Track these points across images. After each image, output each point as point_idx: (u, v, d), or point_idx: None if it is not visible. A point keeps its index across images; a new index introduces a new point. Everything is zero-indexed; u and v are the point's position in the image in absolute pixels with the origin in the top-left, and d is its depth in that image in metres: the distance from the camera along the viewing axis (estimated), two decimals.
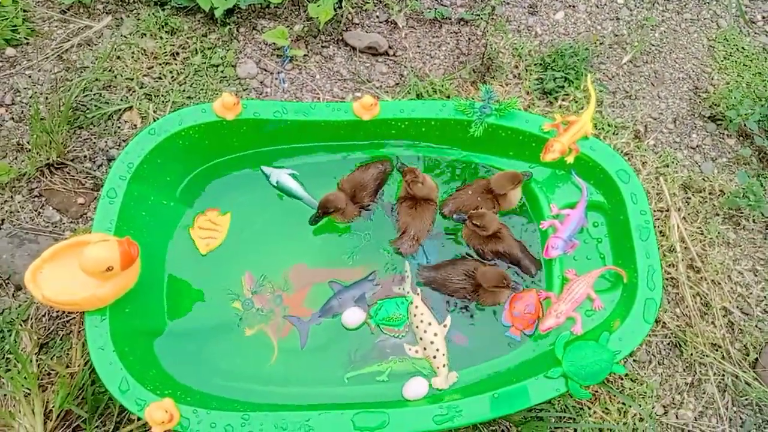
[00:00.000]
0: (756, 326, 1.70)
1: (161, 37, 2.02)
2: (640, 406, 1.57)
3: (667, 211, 1.84)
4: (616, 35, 2.19)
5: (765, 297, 1.76)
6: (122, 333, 1.35)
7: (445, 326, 1.51)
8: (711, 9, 2.29)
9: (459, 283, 1.54)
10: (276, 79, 2.01)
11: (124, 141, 1.86)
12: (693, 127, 2.04)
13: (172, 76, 1.97)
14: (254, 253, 1.61)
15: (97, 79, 1.93)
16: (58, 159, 1.78)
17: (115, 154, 1.83)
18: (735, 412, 1.62)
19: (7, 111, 1.88)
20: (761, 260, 1.82)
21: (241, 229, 1.64)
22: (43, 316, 1.59)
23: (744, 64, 2.16)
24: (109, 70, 1.96)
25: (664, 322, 1.69)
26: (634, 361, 1.65)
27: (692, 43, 2.20)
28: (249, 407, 1.33)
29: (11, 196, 1.75)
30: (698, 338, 1.66)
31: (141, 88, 1.93)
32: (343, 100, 1.98)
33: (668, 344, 1.68)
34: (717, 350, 1.67)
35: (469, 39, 2.13)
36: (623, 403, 1.58)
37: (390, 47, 2.09)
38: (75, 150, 1.84)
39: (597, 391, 1.59)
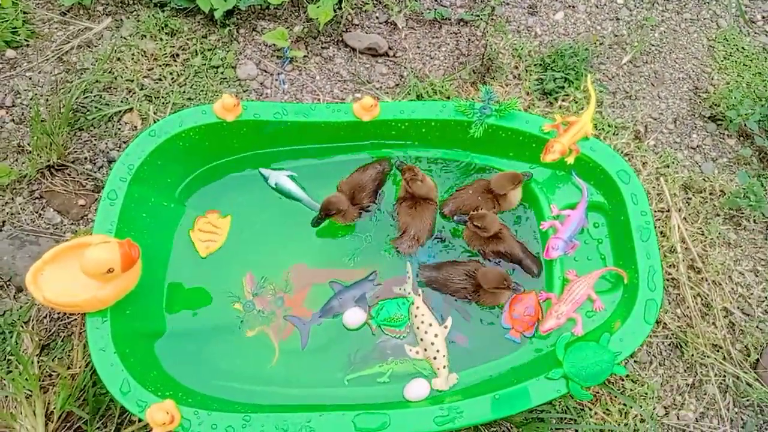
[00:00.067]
0: (757, 327, 1.70)
1: (161, 39, 2.02)
2: (641, 407, 1.57)
3: (668, 211, 1.84)
4: (616, 35, 2.19)
5: (766, 297, 1.76)
6: (123, 334, 1.35)
7: (445, 327, 1.51)
8: (711, 9, 2.28)
9: (460, 284, 1.55)
10: (276, 80, 2.01)
11: (124, 142, 1.86)
12: (693, 127, 2.04)
13: (172, 78, 1.97)
14: (254, 255, 1.62)
15: (97, 81, 1.93)
16: (59, 161, 1.78)
17: (115, 156, 1.83)
18: (736, 413, 1.62)
19: (7, 113, 1.89)
20: (762, 261, 1.82)
21: (241, 231, 1.64)
22: (45, 317, 1.59)
23: (744, 64, 2.16)
24: (110, 72, 1.96)
25: (664, 323, 1.69)
26: (635, 362, 1.65)
27: (692, 43, 2.20)
28: (250, 408, 1.33)
29: (12, 198, 1.75)
30: (699, 339, 1.66)
31: (141, 89, 1.94)
32: (343, 102, 1.98)
33: (669, 345, 1.68)
34: (718, 351, 1.67)
35: (469, 40, 2.13)
36: (624, 404, 1.58)
37: (390, 48, 2.09)
38: (75, 152, 1.84)
39: (598, 392, 1.59)
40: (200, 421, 1.26)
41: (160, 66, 1.99)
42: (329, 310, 1.55)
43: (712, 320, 1.70)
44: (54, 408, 1.42)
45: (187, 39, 2.03)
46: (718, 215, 1.87)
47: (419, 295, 1.56)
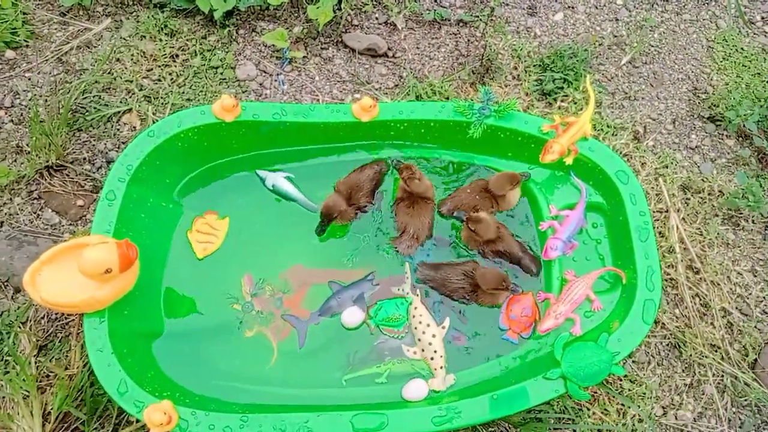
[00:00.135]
0: (755, 327, 1.70)
1: (160, 40, 2.02)
2: (639, 407, 1.57)
3: (667, 211, 1.84)
4: (615, 36, 2.19)
5: (764, 298, 1.76)
6: (121, 335, 1.35)
7: (443, 328, 1.51)
8: (710, 10, 2.29)
9: (458, 283, 1.55)
10: (275, 80, 2.01)
11: (123, 143, 1.87)
12: (692, 127, 2.04)
13: (172, 78, 1.97)
14: (253, 256, 1.62)
15: (96, 82, 1.93)
16: (58, 161, 1.78)
17: (114, 157, 1.83)
18: (734, 413, 1.61)
19: (6, 113, 1.89)
20: (760, 261, 1.82)
21: (239, 231, 1.64)
22: (42, 318, 1.59)
23: (743, 65, 2.16)
24: (109, 73, 1.96)
25: (663, 323, 1.69)
26: (633, 362, 1.65)
27: (691, 44, 2.20)
28: (248, 409, 1.33)
29: (10, 199, 1.75)
30: (697, 339, 1.65)
31: (140, 90, 1.94)
32: (343, 102, 1.98)
33: (667, 345, 1.68)
34: (716, 351, 1.67)
35: (468, 40, 2.13)
36: (622, 404, 1.58)
37: (389, 49, 2.09)
38: (74, 152, 1.84)
39: (596, 392, 1.58)
40: (198, 422, 1.25)
41: (159, 66, 1.99)
42: (328, 309, 1.55)
43: (711, 320, 1.70)
44: (51, 408, 1.42)
45: (187, 40, 2.03)
46: (717, 215, 1.87)
47: (417, 295, 1.56)
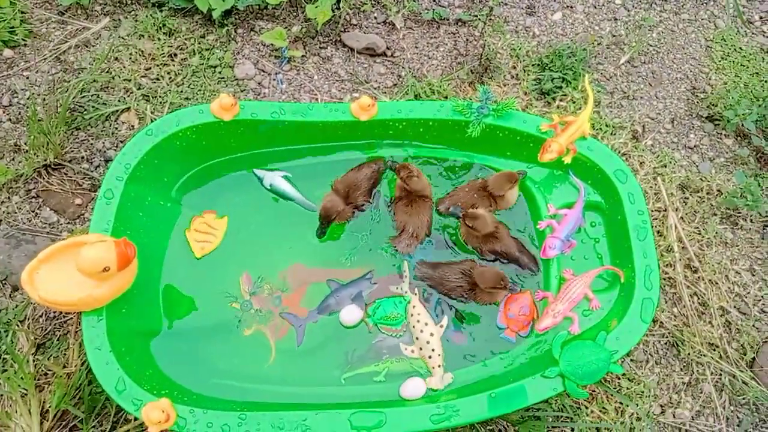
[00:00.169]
0: (753, 326, 1.70)
1: (159, 39, 2.02)
2: (637, 405, 1.57)
3: (665, 211, 1.84)
4: (614, 36, 2.20)
5: (762, 296, 1.76)
6: (119, 333, 1.35)
7: (441, 326, 1.51)
8: (709, 9, 2.29)
9: (455, 282, 1.55)
10: (274, 80, 2.01)
11: (121, 142, 1.86)
12: (691, 127, 2.04)
13: (170, 77, 1.97)
14: (251, 254, 1.61)
15: (94, 81, 1.93)
16: (56, 160, 1.78)
17: (112, 155, 1.83)
18: (732, 411, 1.62)
19: (4, 112, 1.89)
20: (758, 260, 1.82)
21: (237, 230, 1.64)
22: (40, 316, 1.59)
23: (742, 65, 2.16)
24: (107, 72, 1.96)
25: (661, 322, 1.69)
26: (631, 360, 1.65)
27: (690, 44, 2.21)
28: (246, 407, 1.33)
29: (8, 197, 1.75)
30: (695, 338, 1.66)
31: (139, 89, 1.94)
32: (341, 101, 1.98)
33: (666, 344, 1.68)
34: (714, 350, 1.67)
35: (467, 40, 2.13)
36: (620, 403, 1.58)
37: (388, 48, 2.09)
38: (72, 151, 1.84)
39: (594, 391, 1.59)
40: (196, 420, 1.25)
41: (157, 66, 1.99)
42: (326, 307, 1.54)
43: (709, 319, 1.70)
44: (49, 407, 1.42)
45: (185, 39, 2.03)
46: (715, 215, 1.87)
47: (416, 293, 1.56)
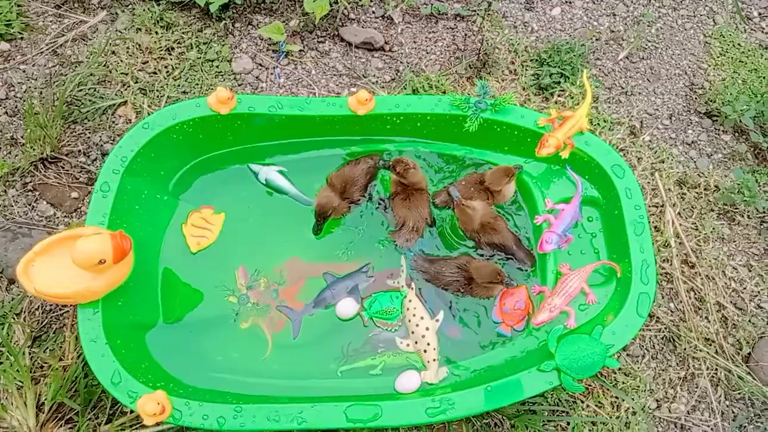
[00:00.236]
0: (749, 321, 1.71)
1: (156, 32, 2.01)
2: (633, 399, 1.57)
3: (662, 206, 1.84)
4: (613, 31, 2.19)
5: (759, 292, 1.76)
6: (115, 326, 1.35)
7: (437, 321, 1.51)
8: (707, 5, 2.28)
9: (451, 277, 1.55)
10: (271, 74, 2.00)
11: (118, 136, 1.86)
12: (689, 123, 2.04)
13: (167, 71, 1.96)
14: (248, 248, 1.61)
15: (91, 74, 1.93)
16: (52, 153, 1.78)
17: (109, 149, 1.82)
18: (727, 406, 1.62)
19: (0, 105, 1.88)
20: (755, 255, 1.82)
21: (234, 224, 1.64)
22: (36, 309, 1.58)
23: (740, 61, 2.16)
24: (104, 65, 1.95)
25: (658, 317, 1.69)
26: (627, 355, 1.65)
27: (688, 40, 2.20)
28: (242, 399, 1.33)
29: (5, 191, 1.75)
30: (692, 333, 1.66)
31: (136, 82, 1.93)
32: (339, 96, 1.98)
33: (662, 339, 1.68)
34: (710, 345, 1.67)
35: (465, 35, 2.13)
36: (616, 397, 1.58)
37: (386, 43, 2.09)
38: (69, 145, 1.83)
39: (590, 385, 1.59)
40: (191, 412, 1.25)
41: (155, 59, 1.98)
42: (322, 301, 1.54)
43: (705, 314, 1.70)
44: (45, 399, 1.42)
45: (183, 32, 2.02)
46: (713, 210, 1.87)
47: (412, 288, 1.56)
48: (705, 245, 1.80)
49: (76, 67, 1.95)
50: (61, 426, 1.42)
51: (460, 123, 1.64)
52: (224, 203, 1.66)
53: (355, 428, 1.32)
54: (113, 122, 1.88)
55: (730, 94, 2.00)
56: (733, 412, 1.61)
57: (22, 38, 1.99)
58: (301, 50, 2.05)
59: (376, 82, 2.02)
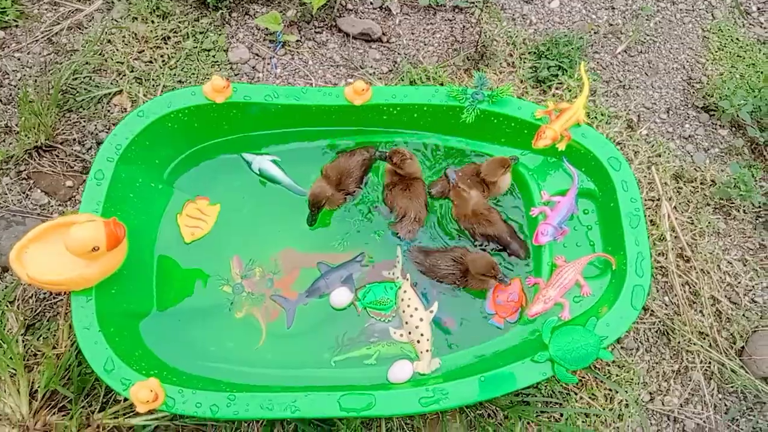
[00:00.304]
0: (743, 315, 1.71)
1: (152, 21, 2.00)
2: (626, 392, 1.58)
3: (659, 200, 1.84)
4: (611, 25, 2.18)
5: (753, 286, 1.76)
6: (108, 313, 1.35)
7: (431, 312, 1.51)
8: (706, 0, 2.28)
9: (447, 270, 1.54)
10: (268, 64, 1.99)
11: (113, 124, 1.85)
12: (686, 117, 2.04)
13: (163, 60, 1.95)
14: (242, 238, 1.61)
15: (87, 63, 1.91)
16: (47, 142, 1.77)
17: (104, 138, 1.81)
18: (720, 399, 1.62)
19: None
20: (750, 250, 1.82)
21: (229, 214, 1.63)
22: (30, 297, 1.58)
23: (738, 55, 2.16)
24: (100, 54, 1.94)
25: (652, 311, 1.70)
26: (621, 348, 1.65)
27: (687, 34, 2.20)
28: (236, 388, 1.33)
29: None
30: (686, 326, 1.66)
31: (131, 71, 1.92)
32: (336, 87, 1.97)
33: (656, 332, 1.68)
34: (704, 338, 1.67)
35: (464, 27, 2.12)
36: (610, 390, 1.58)
37: (384, 34, 2.08)
38: (64, 133, 1.82)
39: (584, 378, 1.59)
40: (184, 400, 1.25)
41: (150, 48, 1.97)
42: (316, 290, 1.54)
43: (700, 308, 1.71)
44: (38, 387, 1.42)
45: (179, 22, 2.01)
46: (709, 205, 1.87)
47: (407, 279, 1.56)
48: (700, 239, 1.81)
49: (71, 55, 1.93)
50: (54, 414, 1.42)
51: (457, 114, 1.64)
52: (219, 193, 1.66)
53: (348, 417, 1.32)
54: (108, 111, 1.87)
55: (728, 88, 2.00)
56: (725, 405, 1.62)
57: (17, 26, 1.98)
58: (298, 40, 2.04)
59: (374, 73, 2.01)
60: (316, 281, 1.55)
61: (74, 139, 1.81)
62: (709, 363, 1.65)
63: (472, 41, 2.07)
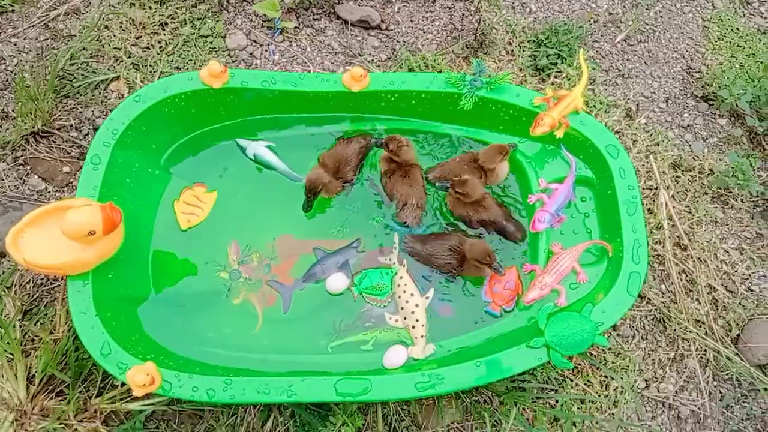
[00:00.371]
0: (739, 303, 1.71)
1: (150, 7, 1.98)
2: (622, 379, 1.58)
3: (656, 189, 1.84)
4: (611, 14, 2.17)
5: (750, 275, 1.77)
6: (105, 298, 1.35)
7: (427, 298, 1.52)
8: None
9: (444, 259, 1.54)
10: (266, 51, 1.98)
11: (110, 110, 1.83)
12: (685, 106, 2.03)
13: (161, 47, 1.94)
14: (239, 224, 1.61)
15: (84, 48, 1.90)
16: (44, 127, 1.76)
17: (101, 124, 1.80)
18: (715, 386, 1.63)
19: None
20: (747, 239, 1.82)
21: (225, 200, 1.63)
22: (27, 282, 1.58)
23: (738, 45, 2.15)
24: (97, 40, 1.93)
25: (648, 298, 1.70)
26: (618, 335, 1.66)
27: (687, 23, 2.19)
28: (232, 373, 1.33)
29: None
30: (682, 314, 1.67)
31: (129, 57, 1.91)
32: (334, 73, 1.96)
33: (652, 320, 1.69)
34: (700, 326, 1.68)
35: (463, 14, 2.10)
36: (605, 376, 1.59)
37: (382, 21, 2.06)
38: (61, 119, 1.81)
39: (580, 364, 1.60)
40: (181, 384, 1.26)
41: (148, 34, 1.96)
42: (312, 276, 1.54)
43: (696, 296, 1.71)
44: (36, 371, 1.42)
45: (176, 7, 2.00)
46: (706, 194, 1.87)
47: (404, 265, 1.56)
48: (698, 228, 1.81)
49: (68, 41, 1.92)
50: (51, 398, 1.43)
51: (455, 101, 1.63)
52: (216, 179, 1.65)
53: (344, 402, 1.33)
54: (106, 97, 1.86)
55: (727, 78, 1.99)
56: (720, 392, 1.63)
57: (13, 11, 1.96)
58: (296, 27, 2.02)
59: (372, 60, 2.00)
60: (313, 267, 1.55)
61: (71, 125, 1.81)
62: (705, 351, 1.65)
63: (471, 29, 2.06)
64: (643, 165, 1.88)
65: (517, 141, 1.67)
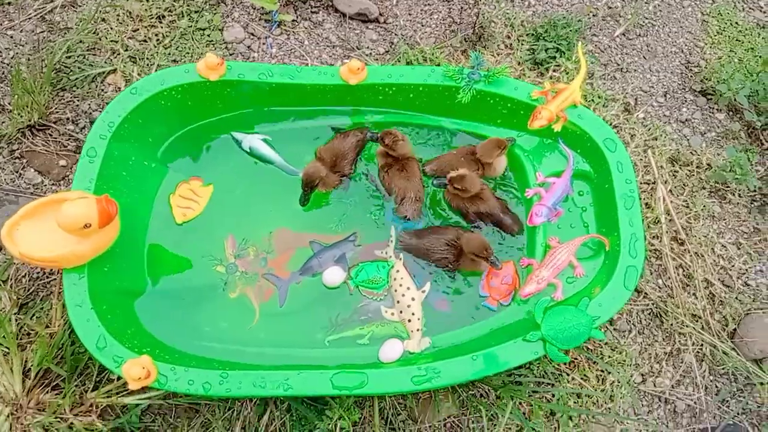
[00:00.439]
0: (736, 298, 1.71)
1: (147, 0, 1.97)
2: (618, 373, 1.58)
3: (654, 183, 1.84)
4: (610, 7, 2.16)
5: (746, 270, 1.77)
6: (101, 291, 1.34)
7: (423, 292, 1.51)
8: None
9: (441, 253, 1.54)
10: (263, 44, 1.97)
11: (107, 103, 1.82)
12: (683, 101, 2.03)
13: (158, 39, 1.93)
14: (235, 218, 1.60)
15: (80, 41, 1.89)
16: (40, 121, 1.75)
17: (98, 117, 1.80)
18: (711, 381, 1.63)
19: None
20: (745, 234, 1.82)
21: (222, 194, 1.63)
22: (23, 276, 1.58)
23: (737, 39, 2.14)
24: (93, 32, 1.92)
25: (645, 293, 1.70)
26: (614, 329, 1.66)
27: (686, 17, 2.18)
28: (228, 366, 1.33)
29: None
30: (679, 309, 1.67)
31: (125, 50, 1.90)
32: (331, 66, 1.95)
33: (649, 314, 1.69)
34: (697, 321, 1.68)
35: (461, 8, 2.10)
36: (602, 371, 1.59)
37: (381, 14, 2.06)
38: (57, 112, 1.81)
39: (576, 359, 1.60)
40: (177, 377, 1.25)
41: (145, 27, 1.95)
42: (308, 269, 1.54)
43: (693, 291, 1.71)
44: (32, 365, 1.42)
45: (174, 0, 1.99)
46: (704, 188, 1.87)
47: (400, 258, 1.55)
48: (695, 223, 1.81)
49: (64, 33, 1.91)
50: (47, 392, 1.42)
51: (453, 94, 1.62)
52: (212, 172, 1.65)
53: (341, 395, 1.33)
54: (102, 90, 1.85)
55: (726, 72, 1.99)
56: (716, 386, 1.63)
57: (9, 3, 1.95)
58: (294, 20, 2.01)
59: (370, 54, 1.99)
60: (309, 260, 1.55)
61: (68, 118, 1.80)
62: (701, 345, 1.66)
63: (470, 22, 2.05)
64: (641, 159, 1.88)
65: (515, 135, 1.66)
